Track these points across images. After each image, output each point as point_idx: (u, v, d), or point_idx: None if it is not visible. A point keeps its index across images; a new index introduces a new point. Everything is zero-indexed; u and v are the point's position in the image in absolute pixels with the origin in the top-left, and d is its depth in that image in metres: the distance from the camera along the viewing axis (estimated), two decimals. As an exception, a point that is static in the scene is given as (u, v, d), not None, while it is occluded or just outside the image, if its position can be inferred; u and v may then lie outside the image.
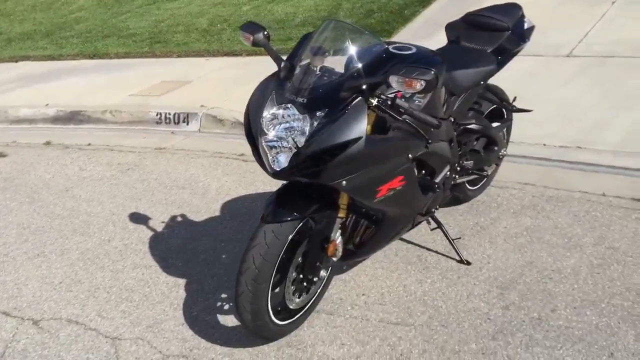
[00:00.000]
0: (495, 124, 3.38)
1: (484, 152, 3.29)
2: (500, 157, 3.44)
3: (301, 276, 2.51)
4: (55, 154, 5.30)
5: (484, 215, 3.45)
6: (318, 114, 2.20)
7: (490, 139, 3.30)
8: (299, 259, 2.47)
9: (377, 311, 2.73)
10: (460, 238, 3.14)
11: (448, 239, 3.05)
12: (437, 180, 2.74)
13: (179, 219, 3.81)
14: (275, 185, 3.97)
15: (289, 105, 2.23)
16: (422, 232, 3.26)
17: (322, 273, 2.54)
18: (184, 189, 4.26)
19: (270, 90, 2.35)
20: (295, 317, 2.60)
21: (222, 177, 4.39)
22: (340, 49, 2.34)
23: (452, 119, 2.94)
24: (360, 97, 2.20)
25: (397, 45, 2.62)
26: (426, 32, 6.67)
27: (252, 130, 2.33)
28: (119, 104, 6.18)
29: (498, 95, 3.29)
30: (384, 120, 2.31)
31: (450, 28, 3.33)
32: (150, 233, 3.66)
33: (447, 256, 3.08)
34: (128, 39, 8.76)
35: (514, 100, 3.39)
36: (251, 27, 2.53)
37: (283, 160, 2.24)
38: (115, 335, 2.73)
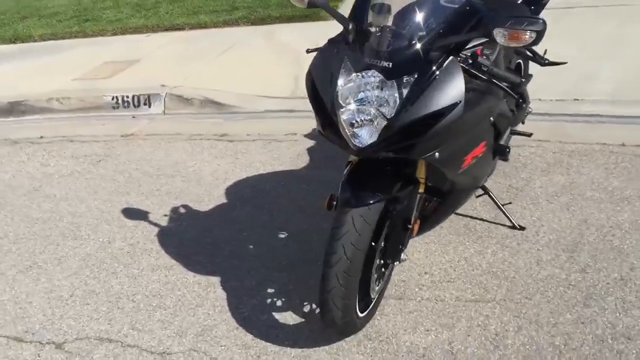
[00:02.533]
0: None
1: (516, 110, 3.15)
2: (526, 114, 3.31)
3: (381, 262, 2.27)
4: (5, 150, 4.72)
5: (513, 176, 3.33)
6: (406, 79, 1.94)
7: (520, 95, 3.15)
8: (382, 243, 2.22)
9: (448, 289, 2.54)
10: (510, 203, 3.00)
11: (497, 204, 2.90)
12: (503, 142, 2.56)
13: (182, 210, 3.45)
14: (284, 164, 3.72)
15: (370, 72, 1.95)
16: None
17: (403, 256, 2.31)
18: (174, 176, 3.87)
19: (341, 56, 2.06)
20: (370, 307, 2.36)
21: (212, 160, 4.03)
22: (414, 6, 2.08)
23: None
24: (452, 57, 1.96)
25: None
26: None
27: (325, 103, 2.04)
28: (64, 90, 5.60)
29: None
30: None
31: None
32: (156, 229, 3.28)
33: (496, 223, 2.93)
34: (51, 18, 8.03)
35: (544, 52, 3.25)
36: None
37: (366, 134, 1.97)
38: (162, 350, 2.40)
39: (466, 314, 2.39)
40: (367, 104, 1.96)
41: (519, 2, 2.91)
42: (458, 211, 3.00)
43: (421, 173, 2.19)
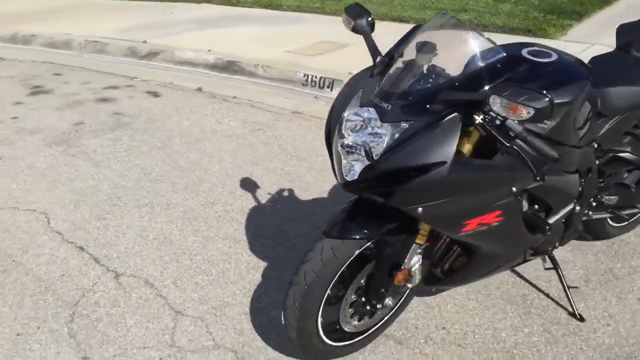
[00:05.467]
0: (659, 156, 2.74)
1: (637, 187, 2.70)
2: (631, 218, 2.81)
3: (363, 299, 2.22)
4: (201, 101, 5.42)
5: (622, 260, 2.88)
6: (402, 125, 1.86)
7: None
8: (362, 281, 2.18)
9: (452, 353, 2.37)
10: (577, 287, 2.64)
11: (563, 284, 2.57)
12: (553, 220, 2.26)
13: (286, 193, 3.67)
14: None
15: (368, 109, 1.91)
16: (537, 266, 2.79)
17: (388, 301, 2.23)
18: (303, 160, 4.10)
19: (359, 88, 2.04)
20: (355, 340, 2.33)
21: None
22: (446, 52, 1.95)
23: (595, 145, 2.41)
24: (455, 114, 1.82)
25: (534, 49, 2.17)
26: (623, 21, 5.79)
27: (330, 129, 2.05)
28: (272, 60, 6.14)
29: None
30: (490, 142, 1.90)
31: (622, 31, 2.73)
32: (254, 204, 3.56)
33: (559, 304, 2.60)
34: (302, -8, 8.71)
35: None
36: (355, 10, 2.22)
37: (358, 170, 1.94)
38: (180, 309, 2.67)
39: (447, 384, 2.22)
40: (363, 140, 1.93)
41: None
42: (526, 276, 2.77)
43: (424, 225, 2.08)
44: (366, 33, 2.19)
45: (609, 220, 2.86)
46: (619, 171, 2.61)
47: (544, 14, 6.77)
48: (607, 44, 4.69)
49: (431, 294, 2.69)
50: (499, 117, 1.76)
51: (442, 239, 2.31)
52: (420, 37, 2.02)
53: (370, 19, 2.19)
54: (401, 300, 2.43)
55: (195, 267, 2.98)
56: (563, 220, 2.39)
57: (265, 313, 2.63)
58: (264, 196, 3.65)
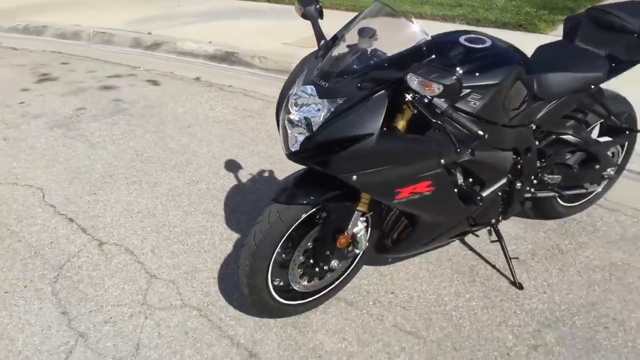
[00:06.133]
0: (604, 139, 2.93)
1: (580, 168, 2.89)
2: (605, 177, 2.99)
3: (311, 261, 2.44)
4: (197, 89, 5.66)
5: (571, 237, 3.06)
6: (338, 101, 2.07)
7: (590, 154, 2.87)
8: (309, 243, 2.40)
9: (396, 314, 2.58)
10: (517, 258, 2.84)
11: (505, 256, 2.76)
12: (486, 193, 2.46)
13: (266, 174, 3.89)
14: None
15: (309, 87, 2.12)
16: (487, 241, 2.99)
17: (334, 263, 2.45)
18: (287, 145, 4.30)
19: (304, 69, 2.26)
20: (307, 300, 2.56)
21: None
22: (378, 37, 2.18)
23: (534, 126, 2.60)
24: (383, 91, 2.03)
25: (471, 36, 2.38)
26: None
27: (279, 106, 2.28)
28: (270, 51, 6.37)
29: (610, 107, 2.81)
30: (424, 118, 2.11)
31: (568, 22, 2.91)
32: (235, 183, 3.79)
33: (503, 274, 2.80)
34: (307, -14, 8.92)
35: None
36: None
37: (298, 142, 2.16)
38: (155, 274, 2.91)
39: (387, 340, 2.43)
40: (306, 115, 2.14)
41: (602, 55, 2.70)
42: (477, 249, 2.96)
43: (364, 193, 2.29)
44: (314, 19, 2.40)
45: (558, 200, 3.05)
46: (561, 152, 2.79)
47: (537, 9, 6.92)
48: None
49: (387, 263, 2.90)
50: (427, 96, 1.97)
51: (388, 209, 2.52)
52: (361, 24, 2.23)
53: (318, 6, 2.41)
54: (353, 265, 2.64)
55: (173, 237, 3.22)
56: (500, 194, 2.59)
57: (232, 278, 2.86)
58: (245, 176, 3.88)
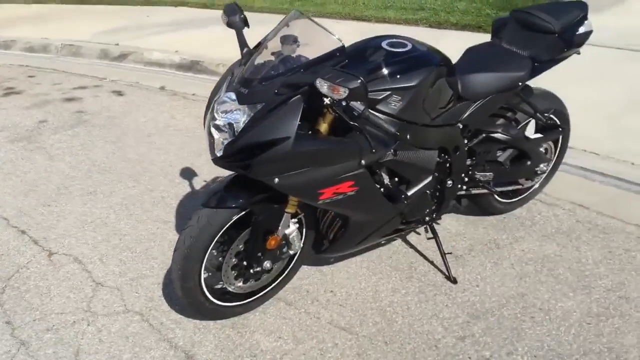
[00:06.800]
0: (535, 136, 3.02)
1: (512, 164, 2.97)
2: (538, 172, 3.07)
3: (245, 263, 2.50)
4: (161, 99, 5.72)
5: (508, 232, 3.14)
6: (257, 106, 2.14)
7: (521, 151, 2.96)
8: (240, 246, 2.46)
9: (333, 312, 2.65)
10: (451, 253, 2.91)
11: (440, 251, 2.84)
12: (412, 191, 2.54)
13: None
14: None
15: (230, 94, 2.19)
16: (427, 238, 3.06)
17: (267, 264, 2.51)
18: (244, 151, 4.37)
19: (229, 75, 2.33)
20: (245, 301, 2.61)
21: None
22: (300, 43, 2.26)
23: (461, 126, 2.68)
24: (298, 96, 2.10)
25: (393, 40, 2.46)
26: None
27: (205, 112, 2.34)
28: (235, 59, 6.42)
29: (537, 105, 2.90)
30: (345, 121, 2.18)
31: (496, 23, 3.00)
32: (189, 190, 3.85)
33: (440, 270, 2.87)
34: (276, -6, 9.03)
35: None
36: (230, 8, 2.50)
37: (222, 147, 2.22)
38: (101, 281, 2.96)
39: (321, 337, 2.50)
40: (227, 121, 2.21)
41: (526, 55, 2.78)
42: (418, 247, 3.03)
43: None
44: (238, 28, 2.48)
45: (495, 196, 3.13)
46: (491, 150, 2.87)
47: (496, 11, 7.03)
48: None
49: (329, 263, 2.97)
50: (344, 100, 2.04)
51: (324, 210, 2.59)
52: (283, 31, 2.31)
53: (242, 16, 2.48)
54: (291, 266, 2.71)
55: (122, 245, 3.27)
56: (430, 192, 2.67)
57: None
58: (200, 183, 3.94)
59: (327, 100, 2.06)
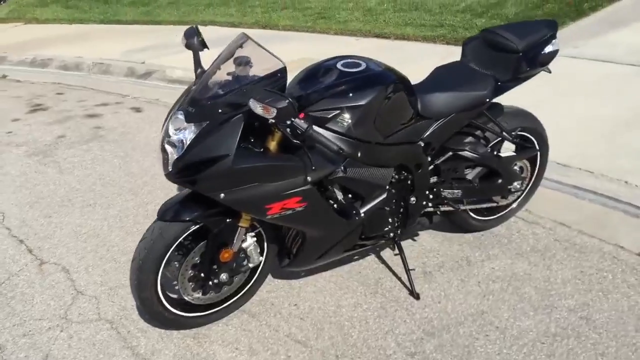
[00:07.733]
0: (506, 154, 3.01)
1: (481, 182, 2.97)
2: (512, 191, 3.06)
3: (202, 275, 2.58)
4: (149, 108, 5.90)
5: (482, 249, 3.14)
6: (203, 124, 2.24)
7: (491, 169, 2.96)
8: (196, 258, 2.55)
9: (292, 325, 2.70)
10: (414, 269, 2.92)
11: (405, 267, 2.86)
12: (366, 208, 2.58)
13: (213, 195, 4.05)
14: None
15: (179, 112, 2.30)
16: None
17: (224, 277, 2.59)
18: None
19: (184, 94, 2.44)
20: (207, 312, 2.69)
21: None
22: (248, 65, 2.36)
23: (423, 144, 2.71)
24: (240, 115, 2.19)
25: (349, 61, 2.53)
26: (594, 32, 6.13)
27: (162, 129, 2.45)
28: (250, 76, 6.57)
29: (502, 124, 2.89)
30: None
31: (466, 43, 3.03)
32: (181, 203, 3.96)
33: (406, 286, 2.89)
34: (300, 12, 9.17)
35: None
36: (190, 32, 2.62)
37: (172, 163, 2.32)
38: (82, 290, 3.10)
39: (276, 349, 2.56)
40: (178, 138, 2.31)
41: (490, 75, 2.81)
42: (389, 263, 3.06)
43: (246, 210, 2.44)
44: (195, 50, 2.59)
45: (470, 213, 3.13)
46: (458, 168, 2.88)
47: (514, 27, 6.97)
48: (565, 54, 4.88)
49: (299, 276, 3.03)
50: (290, 119, 2.12)
51: (281, 226, 2.66)
52: (222, 56, 2.41)
53: (200, 38, 2.59)
54: (254, 279, 2.77)
55: (109, 256, 3.40)
56: (390, 208, 2.70)
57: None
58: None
59: (271, 119, 2.13)
